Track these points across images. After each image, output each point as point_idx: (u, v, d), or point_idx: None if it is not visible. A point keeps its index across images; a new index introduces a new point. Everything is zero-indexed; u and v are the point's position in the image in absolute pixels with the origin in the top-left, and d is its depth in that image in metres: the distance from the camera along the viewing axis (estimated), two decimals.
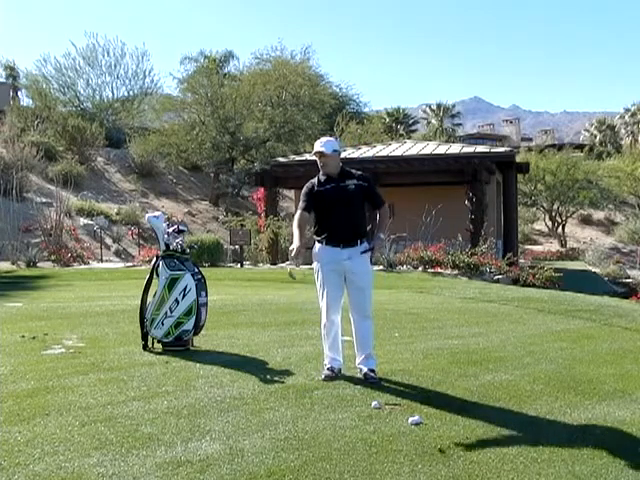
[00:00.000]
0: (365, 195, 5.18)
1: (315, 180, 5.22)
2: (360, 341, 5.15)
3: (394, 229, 16.65)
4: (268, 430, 3.89)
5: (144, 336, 6.09)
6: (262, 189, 21.47)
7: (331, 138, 5.37)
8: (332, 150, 5.11)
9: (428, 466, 3.42)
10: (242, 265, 17.80)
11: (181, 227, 6.44)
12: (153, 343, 6.10)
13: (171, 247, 6.17)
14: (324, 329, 5.19)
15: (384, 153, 21.24)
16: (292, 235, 5.13)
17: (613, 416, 4.30)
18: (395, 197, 20.24)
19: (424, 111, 64.32)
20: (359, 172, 5.27)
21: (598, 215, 40.61)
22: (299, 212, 5.18)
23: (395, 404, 4.44)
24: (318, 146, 5.11)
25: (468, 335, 7.09)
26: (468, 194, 18.71)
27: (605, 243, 35.32)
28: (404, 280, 13.78)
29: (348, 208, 5.09)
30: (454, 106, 64.95)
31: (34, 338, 6.51)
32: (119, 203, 27.11)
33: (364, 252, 5.08)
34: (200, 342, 6.29)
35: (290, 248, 5.05)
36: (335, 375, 5.06)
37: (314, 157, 5.19)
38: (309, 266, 5.37)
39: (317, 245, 5.18)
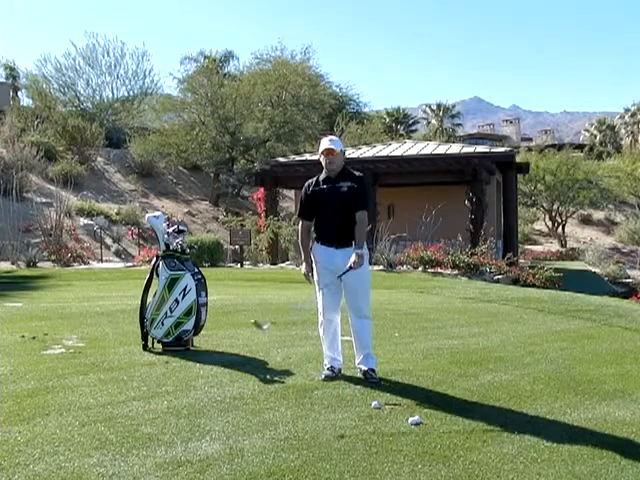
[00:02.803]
0: (355, 197, 5.11)
1: (313, 180, 5.24)
2: (358, 341, 5.15)
3: (394, 229, 16.68)
4: (268, 430, 3.89)
5: (144, 336, 6.09)
6: (262, 189, 21.47)
7: (335, 137, 5.35)
8: (340, 149, 5.13)
9: (428, 466, 3.42)
10: (242, 265, 17.80)
11: (181, 227, 6.43)
12: (153, 343, 6.10)
13: (171, 247, 6.17)
14: (321, 328, 5.21)
15: (384, 153, 21.23)
16: (296, 242, 5.25)
17: (613, 416, 4.30)
18: (395, 197, 20.30)
19: (424, 111, 64.30)
20: (358, 173, 5.24)
21: (598, 215, 40.60)
22: (300, 222, 5.33)
23: (395, 404, 4.44)
24: (327, 143, 5.09)
25: (468, 335, 7.09)
26: (468, 194, 18.71)
27: (605, 243, 35.29)
28: (404, 280, 13.78)
29: (340, 210, 5.06)
30: (454, 106, 64.92)
31: (34, 338, 6.51)
32: (119, 203, 27.10)
33: (344, 273, 4.98)
34: (200, 342, 6.29)
35: (302, 273, 5.29)
36: (335, 375, 5.07)
37: (320, 155, 5.14)
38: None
39: (315, 244, 5.20)
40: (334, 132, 30.78)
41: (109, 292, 11.21)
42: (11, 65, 43.46)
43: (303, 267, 5.26)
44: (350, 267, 4.93)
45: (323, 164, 5.16)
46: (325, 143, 5.12)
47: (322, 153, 5.11)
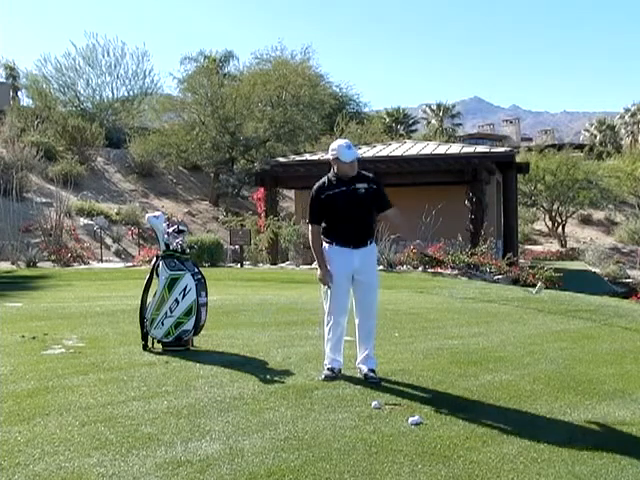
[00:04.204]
0: (374, 198, 5.14)
1: (324, 181, 5.15)
2: (362, 340, 5.15)
3: (394, 229, 16.66)
4: (268, 430, 3.89)
5: (144, 336, 6.09)
6: (262, 189, 21.46)
7: (349, 142, 5.21)
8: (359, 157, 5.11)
9: (428, 466, 3.42)
10: (242, 265, 17.79)
11: (181, 227, 6.43)
12: (153, 343, 6.10)
13: (171, 247, 6.17)
14: (328, 329, 5.16)
15: (384, 153, 21.23)
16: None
17: (613, 416, 4.30)
18: (395, 197, 20.12)
19: (424, 111, 64.27)
20: (370, 174, 5.22)
21: (598, 215, 40.59)
22: (312, 227, 5.20)
23: (395, 404, 4.44)
24: (350, 154, 4.98)
25: (468, 335, 7.09)
26: (468, 194, 18.70)
27: (605, 243, 35.28)
28: (404, 280, 13.77)
29: (359, 211, 5.06)
30: (454, 106, 64.87)
31: (34, 338, 6.51)
32: (119, 203, 27.11)
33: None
34: (200, 342, 6.29)
35: (318, 277, 5.15)
36: (335, 375, 5.06)
37: (336, 163, 5.04)
38: (310, 266, 5.37)
39: (326, 245, 5.17)
40: (334, 132, 30.77)
41: (109, 292, 11.21)
42: (11, 65, 43.51)
43: (318, 272, 5.15)
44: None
45: (341, 170, 5.06)
46: (347, 154, 4.98)
47: (349, 164, 5.00)
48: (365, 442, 3.73)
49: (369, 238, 5.13)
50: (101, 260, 19.83)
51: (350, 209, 5.06)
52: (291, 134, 31.07)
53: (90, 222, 23.31)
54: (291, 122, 30.51)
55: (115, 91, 36.26)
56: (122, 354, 5.84)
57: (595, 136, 61.20)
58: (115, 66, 35.66)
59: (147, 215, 6.56)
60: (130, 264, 17.84)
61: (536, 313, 9.02)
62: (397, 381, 5.05)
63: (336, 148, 5.05)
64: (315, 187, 5.18)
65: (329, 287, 5.09)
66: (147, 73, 36.73)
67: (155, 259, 6.26)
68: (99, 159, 30.99)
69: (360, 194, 5.06)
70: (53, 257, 17.25)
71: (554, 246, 35.33)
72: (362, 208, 5.09)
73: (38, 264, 16.53)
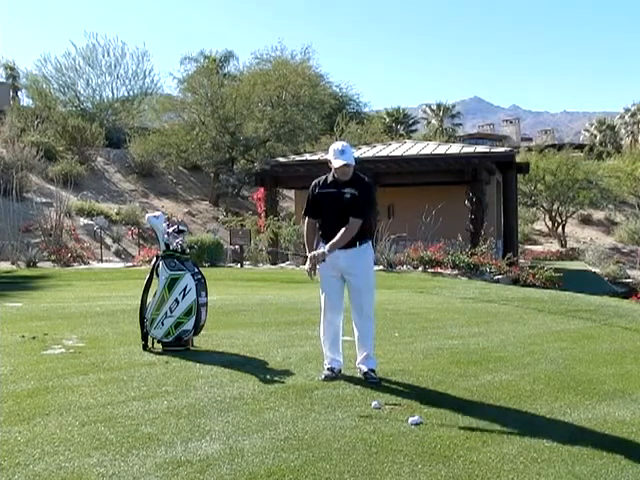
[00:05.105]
0: (357, 203, 5.07)
1: (320, 179, 5.20)
2: (360, 341, 5.15)
3: (394, 229, 16.68)
4: (268, 430, 3.89)
5: (144, 336, 6.09)
6: (262, 189, 21.48)
7: (346, 144, 5.20)
8: (354, 161, 5.09)
9: (428, 466, 3.42)
10: (242, 265, 17.79)
11: (181, 227, 6.43)
12: (153, 343, 6.10)
13: (171, 247, 6.17)
14: (323, 328, 5.21)
15: (384, 153, 21.23)
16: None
17: (613, 416, 4.30)
18: (395, 197, 20.29)
19: (424, 111, 64.27)
20: (365, 179, 5.19)
21: (598, 215, 40.58)
22: (305, 220, 5.33)
23: (395, 404, 4.44)
24: (343, 158, 4.95)
25: (468, 335, 7.09)
26: (468, 194, 18.71)
27: (605, 243, 35.27)
28: (404, 280, 13.78)
29: (342, 214, 5.04)
30: (454, 106, 64.88)
31: (34, 338, 6.51)
32: (119, 203, 27.11)
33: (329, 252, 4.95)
34: (200, 342, 6.29)
35: (305, 269, 5.17)
36: (335, 375, 5.07)
37: (332, 165, 5.05)
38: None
39: (320, 243, 5.21)
40: (334, 132, 30.77)
41: (109, 292, 11.21)
42: (11, 65, 43.50)
43: (307, 264, 5.20)
44: (314, 256, 4.96)
45: (335, 173, 5.08)
46: (340, 156, 4.95)
47: (339, 169, 4.99)
48: (365, 442, 3.73)
49: (358, 240, 5.08)
50: (101, 260, 19.83)
51: (334, 211, 5.07)
52: (291, 134, 31.08)
53: (90, 222, 23.32)
54: (291, 122, 30.52)
55: (115, 91, 36.31)
56: (122, 354, 5.84)
57: (595, 136, 61.19)
58: (115, 66, 35.70)
59: (147, 215, 6.56)
60: (130, 264, 17.84)
61: (536, 313, 9.02)
62: (397, 381, 5.05)
63: (330, 151, 5.10)
64: (313, 183, 5.27)
65: (312, 279, 5.15)
66: (147, 73, 36.79)
67: (155, 259, 6.26)
68: (99, 159, 30.99)
69: (345, 199, 5.05)
70: (53, 257, 17.25)
71: (554, 246, 35.33)
72: (345, 212, 5.02)
73: (38, 264, 16.54)
